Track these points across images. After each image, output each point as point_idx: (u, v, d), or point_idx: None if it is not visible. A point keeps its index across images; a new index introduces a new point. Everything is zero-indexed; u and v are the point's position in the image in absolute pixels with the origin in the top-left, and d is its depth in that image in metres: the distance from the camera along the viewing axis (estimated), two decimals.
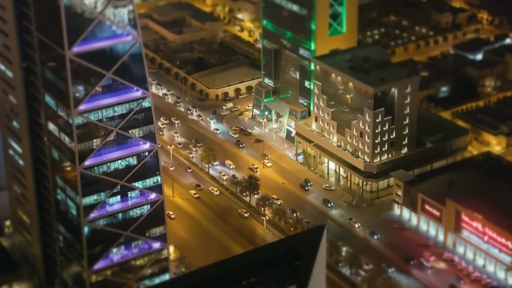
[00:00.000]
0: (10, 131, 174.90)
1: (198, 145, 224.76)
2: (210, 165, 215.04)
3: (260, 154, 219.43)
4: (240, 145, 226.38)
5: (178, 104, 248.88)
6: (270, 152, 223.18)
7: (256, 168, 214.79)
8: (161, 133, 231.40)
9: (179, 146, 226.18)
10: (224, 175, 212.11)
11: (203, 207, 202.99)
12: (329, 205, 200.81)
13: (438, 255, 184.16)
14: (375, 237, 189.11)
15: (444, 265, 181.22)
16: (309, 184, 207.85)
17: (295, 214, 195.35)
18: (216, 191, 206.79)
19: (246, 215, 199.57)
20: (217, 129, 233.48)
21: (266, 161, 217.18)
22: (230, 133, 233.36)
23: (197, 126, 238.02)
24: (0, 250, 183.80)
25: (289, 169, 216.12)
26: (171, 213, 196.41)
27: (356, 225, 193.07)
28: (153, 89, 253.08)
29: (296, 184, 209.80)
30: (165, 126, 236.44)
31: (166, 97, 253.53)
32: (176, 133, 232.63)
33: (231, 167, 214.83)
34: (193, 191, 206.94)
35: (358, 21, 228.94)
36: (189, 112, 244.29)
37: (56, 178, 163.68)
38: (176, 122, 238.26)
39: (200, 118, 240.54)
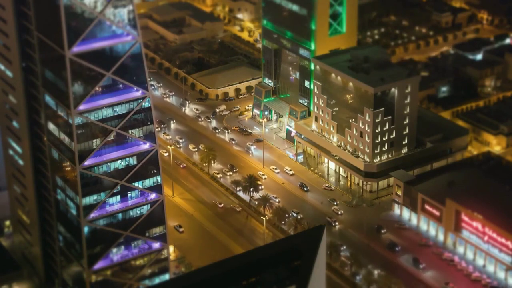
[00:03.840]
0: (10, 131, 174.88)
1: (234, 170, 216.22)
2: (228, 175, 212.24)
3: (270, 167, 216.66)
4: (233, 142, 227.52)
5: (184, 108, 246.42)
6: (270, 152, 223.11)
7: (263, 175, 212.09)
8: (179, 146, 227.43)
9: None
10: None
11: (203, 207, 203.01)
12: (305, 188, 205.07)
13: (438, 255, 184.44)
14: (383, 231, 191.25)
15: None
16: (306, 188, 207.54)
17: (299, 216, 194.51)
18: (238, 208, 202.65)
19: (238, 209, 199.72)
20: (233, 139, 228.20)
21: (273, 167, 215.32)
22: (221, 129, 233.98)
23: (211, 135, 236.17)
24: (0, 250, 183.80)
25: (289, 169, 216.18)
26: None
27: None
28: (172, 100, 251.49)
29: (296, 184, 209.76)
30: (183, 140, 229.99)
31: (166, 96, 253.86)
32: (194, 148, 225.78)
33: (261, 187, 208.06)
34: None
35: (358, 21, 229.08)
36: (200, 120, 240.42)
37: (56, 178, 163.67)
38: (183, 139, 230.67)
39: (217, 130, 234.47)
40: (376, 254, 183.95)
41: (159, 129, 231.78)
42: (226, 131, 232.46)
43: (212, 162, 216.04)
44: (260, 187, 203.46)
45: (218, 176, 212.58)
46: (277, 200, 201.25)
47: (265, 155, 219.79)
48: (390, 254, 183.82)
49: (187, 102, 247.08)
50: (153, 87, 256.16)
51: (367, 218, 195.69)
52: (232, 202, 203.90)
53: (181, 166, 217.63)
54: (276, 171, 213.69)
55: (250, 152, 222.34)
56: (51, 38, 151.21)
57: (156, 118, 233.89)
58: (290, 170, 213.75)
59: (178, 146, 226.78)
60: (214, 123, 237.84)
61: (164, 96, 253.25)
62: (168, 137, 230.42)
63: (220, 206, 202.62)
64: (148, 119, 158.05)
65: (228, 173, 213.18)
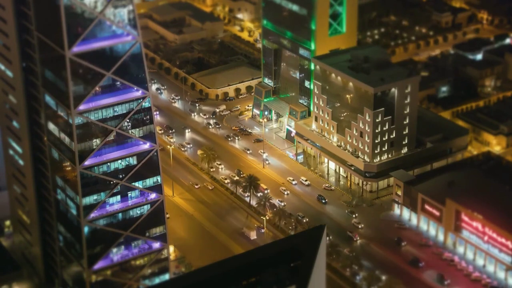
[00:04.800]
0: (10, 131, 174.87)
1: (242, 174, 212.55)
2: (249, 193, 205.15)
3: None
4: (229, 139, 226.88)
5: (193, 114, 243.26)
6: (270, 152, 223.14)
7: (285, 190, 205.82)
8: (184, 149, 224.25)
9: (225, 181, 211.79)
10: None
11: (203, 207, 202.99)
12: (324, 201, 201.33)
13: (438, 255, 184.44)
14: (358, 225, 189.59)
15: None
16: (324, 200, 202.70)
17: (304, 220, 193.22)
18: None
19: (210, 188, 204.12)
20: (248, 149, 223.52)
21: (290, 178, 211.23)
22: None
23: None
24: (0, 250, 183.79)
25: (289, 169, 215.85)
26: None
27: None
28: (179, 104, 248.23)
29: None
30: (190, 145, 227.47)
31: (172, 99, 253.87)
32: (219, 164, 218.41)
33: (266, 191, 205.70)
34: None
35: (358, 21, 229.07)
36: (210, 127, 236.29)
37: (56, 178, 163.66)
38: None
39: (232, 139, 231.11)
40: (398, 270, 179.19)
41: (169, 136, 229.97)
42: (237, 138, 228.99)
43: (220, 167, 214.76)
44: (283, 204, 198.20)
45: (226, 181, 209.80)
46: (304, 220, 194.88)
47: (265, 155, 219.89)
48: (413, 270, 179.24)
49: (196, 105, 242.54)
50: (159, 91, 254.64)
51: (387, 231, 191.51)
52: (233, 202, 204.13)
53: (196, 186, 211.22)
54: (294, 182, 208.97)
55: (267, 162, 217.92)
56: (51, 38, 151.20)
57: (163, 124, 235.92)
58: (306, 180, 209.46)
59: (183, 149, 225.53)
60: (223, 131, 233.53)
61: (172, 101, 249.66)
62: (172, 140, 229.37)
63: (196, 187, 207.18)
64: (148, 119, 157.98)
65: (235, 178, 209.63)
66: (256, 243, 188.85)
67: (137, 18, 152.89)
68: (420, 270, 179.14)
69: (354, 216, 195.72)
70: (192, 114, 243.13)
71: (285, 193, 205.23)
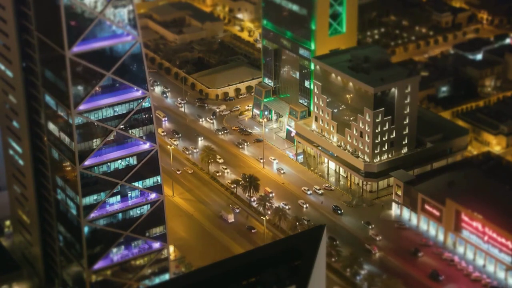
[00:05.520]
0: (10, 131, 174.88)
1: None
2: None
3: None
4: (240, 146, 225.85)
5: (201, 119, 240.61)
6: (270, 152, 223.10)
7: (304, 203, 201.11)
8: (188, 152, 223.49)
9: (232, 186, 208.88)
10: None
11: (203, 207, 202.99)
12: (339, 211, 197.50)
13: (438, 255, 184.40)
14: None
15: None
16: (340, 211, 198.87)
17: (306, 222, 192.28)
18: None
19: (190, 172, 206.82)
20: (262, 158, 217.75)
21: (305, 188, 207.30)
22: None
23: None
24: (0, 250, 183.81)
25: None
26: None
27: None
28: (184, 109, 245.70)
29: (296, 184, 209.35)
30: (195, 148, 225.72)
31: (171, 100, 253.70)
32: (225, 169, 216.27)
33: (271, 194, 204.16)
34: None
35: (358, 21, 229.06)
36: (220, 134, 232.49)
37: (56, 178, 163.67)
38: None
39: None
40: (420, 284, 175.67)
41: (176, 141, 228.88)
42: (246, 143, 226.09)
43: (226, 171, 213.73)
44: (306, 221, 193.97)
45: (232, 186, 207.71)
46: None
47: (266, 155, 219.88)
48: (434, 284, 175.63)
49: (212, 117, 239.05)
50: (164, 95, 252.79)
51: (404, 242, 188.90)
52: (232, 202, 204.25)
53: (177, 172, 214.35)
54: (308, 192, 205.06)
55: (283, 171, 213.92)
56: (51, 38, 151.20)
57: (170, 129, 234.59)
58: (320, 189, 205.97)
59: (187, 153, 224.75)
60: (231, 136, 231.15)
61: (179, 106, 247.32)
62: (175, 143, 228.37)
63: (178, 172, 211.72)
64: (148, 119, 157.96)
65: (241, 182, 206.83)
66: (234, 225, 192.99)
67: (137, 18, 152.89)
68: (440, 284, 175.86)
69: (370, 227, 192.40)
70: (200, 120, 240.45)
71: (304, 206, 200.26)
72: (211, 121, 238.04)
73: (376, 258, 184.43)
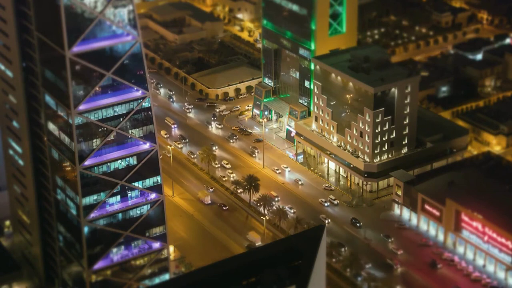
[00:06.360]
0: (10, 131, 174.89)
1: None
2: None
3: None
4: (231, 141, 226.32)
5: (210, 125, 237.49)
6: (270, 152, 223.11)
7: (326, 218, 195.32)
8: (193, 156, 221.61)
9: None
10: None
11: (203, 207, 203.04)
12: (358, 224, 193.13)
13: (438, 255, 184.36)
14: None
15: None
16: (359, 224, 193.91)
17: (306, 225, 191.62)
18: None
19: (168, 155, 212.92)
20: (277, 169, 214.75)
21: (322, 200, 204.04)
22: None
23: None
24: (0, 250, 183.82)
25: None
26: None
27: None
28: (192, 114, 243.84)
29: (296, 184, 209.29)
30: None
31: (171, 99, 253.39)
32: (231, 172, 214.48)
33: (277, 198, 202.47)
34: None
35: (358, 21, 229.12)
36: (231, 141, 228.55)
37: (56, 178, 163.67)
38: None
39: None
40: None
41: (181, 145, 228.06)
42: (256, 150, 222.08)
43: (232, 175, 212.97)
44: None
45: (238, 191, 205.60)
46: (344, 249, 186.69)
47: (266, 156, 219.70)
48: None
49: (212, 118, 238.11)
50: (171, 100, 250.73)
51: (421, 254, 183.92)
52: (234, 202, 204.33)
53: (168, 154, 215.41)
54: (326, 204, 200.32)
55: (300, 183, 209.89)
56: (51, 38, 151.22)
57: (178, 135, 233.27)
58: (335, 199, 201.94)
59: (193, 156, 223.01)
60: (241, 143, 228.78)
61: (187, 111, 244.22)
62: (179, 146, 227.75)
63: (168, 156, 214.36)
64: (148, 119, 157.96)
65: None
66: (210, 207, 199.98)
67: (137, 18, 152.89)
68: None
69: (390, 240, 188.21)
70: (209, 126, 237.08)
71: (326, 221, 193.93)
72: (220, 126, 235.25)
73: (398, 273, 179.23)
